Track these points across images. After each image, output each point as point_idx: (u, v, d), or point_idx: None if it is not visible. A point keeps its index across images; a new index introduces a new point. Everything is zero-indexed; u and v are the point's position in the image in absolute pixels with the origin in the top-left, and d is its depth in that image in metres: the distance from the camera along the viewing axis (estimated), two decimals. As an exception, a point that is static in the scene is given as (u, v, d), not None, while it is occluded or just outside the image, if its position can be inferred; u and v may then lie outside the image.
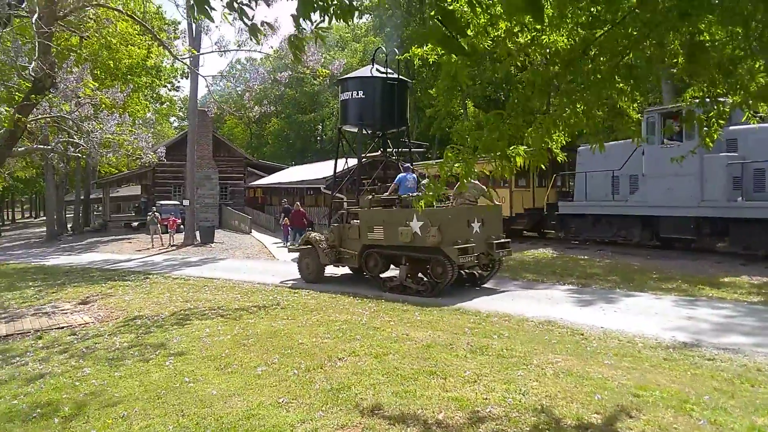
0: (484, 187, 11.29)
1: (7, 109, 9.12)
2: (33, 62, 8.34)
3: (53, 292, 12.28)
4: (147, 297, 11.01)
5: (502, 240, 10.78)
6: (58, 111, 11.28)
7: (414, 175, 11.86)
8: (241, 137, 66.47)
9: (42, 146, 11.71)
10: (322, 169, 25.95)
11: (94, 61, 24.44)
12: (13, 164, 37.17)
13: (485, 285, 11.42)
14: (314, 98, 56.34)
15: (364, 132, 19.19)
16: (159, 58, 30.34)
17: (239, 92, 69.63)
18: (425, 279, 10.85)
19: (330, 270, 13.04)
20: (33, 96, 8.36)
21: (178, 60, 11.70)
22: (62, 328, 8.85)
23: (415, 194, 10.65)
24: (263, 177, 34.85)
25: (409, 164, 13.23)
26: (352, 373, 5.29)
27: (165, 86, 30.49)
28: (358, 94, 18.28)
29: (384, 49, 19.65)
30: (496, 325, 7.68)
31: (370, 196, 11.95)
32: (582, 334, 7.34)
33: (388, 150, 20.05)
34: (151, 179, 31.92)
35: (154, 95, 31.46)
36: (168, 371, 5.78)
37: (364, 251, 11.44)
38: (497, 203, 11.60)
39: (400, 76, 18.88)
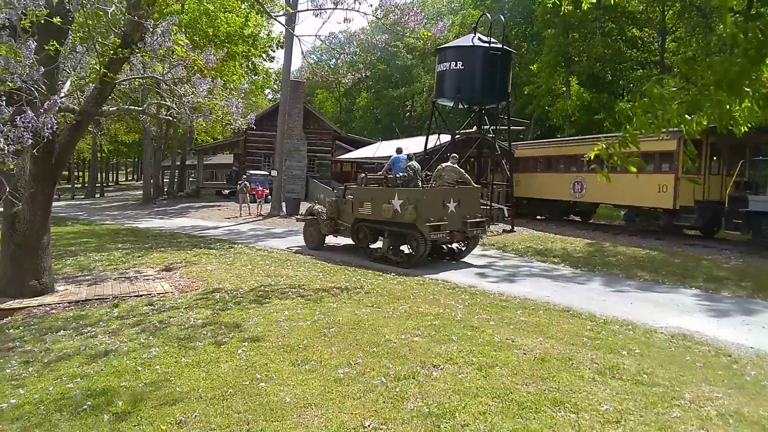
0: (462, 171, 12.17)
1: (96, 62, 8.81)
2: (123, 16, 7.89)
3: (139, 256, 12.24)
4: (229, 268, 10.60)
5: (478, 219, 11.73)
6: (151, 71, 11.00)
7: (405, 157, 12.80)
8: (330, 111, 66.75)
9: (133, 107, 11.50)
10: (411, 145, 24.92)
11: (193, 27, 24.74)
12: (109, 125, 39.16)
13: (570, 280, 10.08)
14: (406, 73, 55.15)
15: (461, 106, 17.92)
16: (256, 27, 30.45)
17: (332, 65, 70.00)
18: (404, 251, 11.93)
19: (335, 241, 14.41)
20: (121, 51, 7.90)
21: (272, 18, 11.03)
22: (141, 296, 8.57)
23: (401, 174, 12.17)
24: (351, 151, 34.40)
25: (401, 146, 14.38)
26: (452, 390, 4.31)
27: (260, 55, 30.49)
28: (456, 65, 17.04)
29: (489, 16, 18.10)
30: (619, 336, 6.40)
31: (363, 175, 13.30)
32: (730, 356, 5.94)
33: (485, 127, 18.66)
34: (243, 148, 32.36)
35: (250, 65, 31.58)
36: (239, 362, 5.08)
37: (355, 224, 12.56)
38: (474, 186, 12.46)
39: (504, 46, 17.35)
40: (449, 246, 12.65)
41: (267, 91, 66.30)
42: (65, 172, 61.46)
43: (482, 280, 10.20)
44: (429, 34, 9.92)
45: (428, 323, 6.51)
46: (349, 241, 13.61)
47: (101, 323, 6.82)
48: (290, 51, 21.74)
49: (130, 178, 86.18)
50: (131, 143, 51.45)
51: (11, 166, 5.53)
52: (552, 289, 9.59)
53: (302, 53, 18.07)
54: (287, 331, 6.15)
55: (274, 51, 30.25)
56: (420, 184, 12.18)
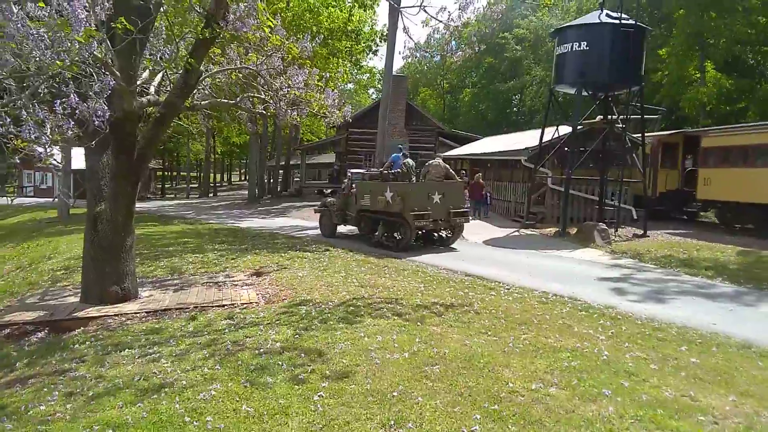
0: (448, 166, 13.85)
1: (183, 50, 8.09)
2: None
3: (233, 259, 11.59)
4: (321, 275, 9.54)
5: (461, 210, 13.03)
6: (245, 62, 10.26)
7: (400, 155, 14.09)
8: (433, 110, 65.28)
9: (226, 101, 10.82)
10: (521, 140, 22.84)
11: (297, 24, 24.45)
12: (222, 126, 40.34)
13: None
14: (514, 65, 52.37)
15: (584, 93, 15.73)
16: (360, 23, 29.82)
17: (437, 62, 68.58)
18: (396, 237, 12.94)
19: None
20: (204, 32, 7.03)
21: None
22: (224, 306, 7.70)
23: (396, 171, 13.60)
24: (455, 147, 32.74)
25: (401, 145, 16.15)
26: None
27: (364, 51, 29.83)
28: (580, 46, 14.91)
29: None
30: None
31: (352, 171, 15.49)
32: None
33: (612, 116, 16.29)
34: (345, 147, 31.88)
35: (353, 61, 31.06)
36: (312, 416, 3.84)
37: (358, 214, 14.05)
38: (459, 180, 14.29)
39: (637, 22, 14.94)
40: (438, 234, 13.98)
41: (371, 90, 66.41)
42: (183, 173, 65.43)
43: (621, 298, 8.28)
44: (555, -1, 8.19)
45: (564, 364, 4.89)
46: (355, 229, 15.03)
47: (171, 341, 5.92)
48: (393, 43, 20.62)
49: (242, 178, 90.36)
50: (243, 144, 53.23)
51: (47, 162, 4.69)
52: (716, 313, 7.50)
53: (405, 30, 17.05)
54: (379, 366, 4.83)
55: (377, 45, 29.42)
56: (413, 179, 13.64)
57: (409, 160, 13.94)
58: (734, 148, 15.83)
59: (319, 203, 16.60)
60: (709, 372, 4.87)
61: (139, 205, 29.99)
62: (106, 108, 4.68)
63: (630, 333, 6.19)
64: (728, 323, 6.87)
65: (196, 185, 55.43)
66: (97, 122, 4.55)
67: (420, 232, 13.48)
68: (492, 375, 4.58)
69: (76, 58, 5.06)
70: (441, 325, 6.20)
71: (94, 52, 5.53)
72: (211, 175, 50.52)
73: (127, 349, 5.72)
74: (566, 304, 7.61)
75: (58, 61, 4.37)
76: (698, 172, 17.13)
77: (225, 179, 76.38)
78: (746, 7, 30.52)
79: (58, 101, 4.14)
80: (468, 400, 4.06)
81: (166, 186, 60.36)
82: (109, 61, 6.07)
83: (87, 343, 6.14)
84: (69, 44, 4.42)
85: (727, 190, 15.90)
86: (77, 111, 4.21)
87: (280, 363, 4.99)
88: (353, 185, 14.47)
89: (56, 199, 25.09)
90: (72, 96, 4.20)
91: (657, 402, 4.06)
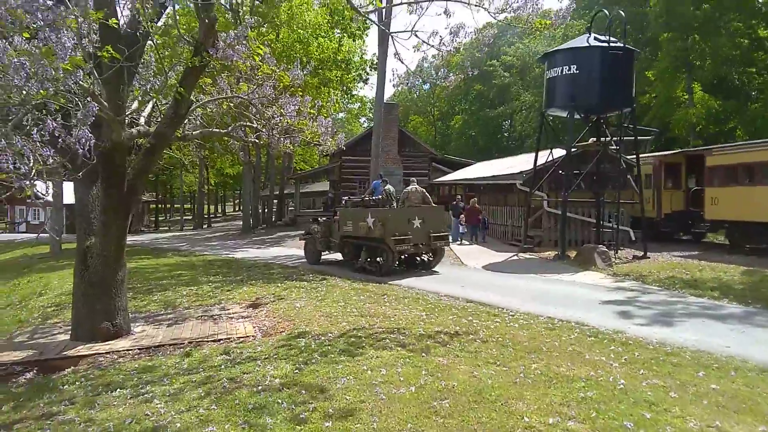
0: (425, 192, 14.26)
1: (173, 80, 7.96)
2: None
3: (228, 290, 11.31)
4: (319, 305, 9.28)
5: (441, 234, 13.36)
6: (235, 91, 10.17)
7: (379, 182, 14.79)
8: (425, 137, 65.71)
9: (218, 130, 10.69)
10: (514, 164, 22.86)
11: (288, 56, 24.57)
12: (215, 158, 40.14)
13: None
14: (503, 92, 52.96)
15: (576, 116, 15.76)
16: (349, 53, 30.07)
17: (427, 90, 69.33)
18: (379, 262, 13.27)
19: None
20: (193, 60, 6.91)
21: (362, 15, 9.82)
22: (219, 340, 7.42)
23: (376, 198, 14.30)
24: (448, 173, 32.77)
25: (381, 173, 16.94)
26: None
27: (354, 80, 30.02)
28: (570, 69, 14.99)
29: (606, 12, 15.92)
30: None
31: (347, 198, 16.17)
32: None
33: (604, 138, 16.30)
34: (338, 174, 31.81)
35: (344, 90, 31.22)
36: (317, 461, 3.56)
37: (342, 240, 14.34)
38: (435, 206, 14.35)
39: (626, 45, 15.07)
40: (420, 258, 14.32)
41: (363, 119, 66.87)
42: (177, 205, 65.13)
43: (628, 322, 8.07)
44: (548, 22, 8.17)
45: (580, 395, 4.66)
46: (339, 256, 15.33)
47: (165, 379, 5.63)
48: (383, 70, 20.75)
49: (236, 209, 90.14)
50: (236, 175, 53.17)
51: (28, 193, 4.47)
52: (727, 335, 7.30)
53: (396, 55, 17.14)
54: (385, 402, 4.57)
55: (367, 74, 29.62)
56: (394, 204, 14.19)
57: (390, 187, 14.58)
58: (740, 166, 15.41)
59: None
60: (732, 399, 4.65)
61: (132, 238, 29.73)
62: (90, 135, 4.49)
63: (643, 359, 5.96)
64: (742, 345, 6.66)
65: (190, 217, 55.13)
66: (80, 150, 4.36)
67: (402, 257, 13.86)
68: (505, 409, 4.34)
69: (62, 88, 4.91)
70: (447, 356, 5.95)
71: (80, 82, 5.39)
72: (205, 206, 50.27)
73: (118, 389, 5.43)
74: (574, 330, 7.39)
75: (41, 91, 4.20)
76: (704, 192, 16.73)
77: (219, 210, 76.09)
78: (729, 31, 31.09)
79: (36, 129, 3.95)
80: (483, 438, 3.81)
81: (159, 219, 60.01)
82: (96, 90, 5.93)
83: (77, 383, 5.84)
84: (54, 73, 4.26)
85: (736, 210, 15.41)
86: (60, 139, 4.03)
87: (279, 401, 4.72)
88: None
89: (39, 235, 24.75)
90: (49, 121, 4.01)
91: (683, 434, 3.83)
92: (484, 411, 4.30)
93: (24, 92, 3.93)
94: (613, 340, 6.82)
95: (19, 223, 41.55)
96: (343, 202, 15.90)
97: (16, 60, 3.93)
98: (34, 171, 4.08)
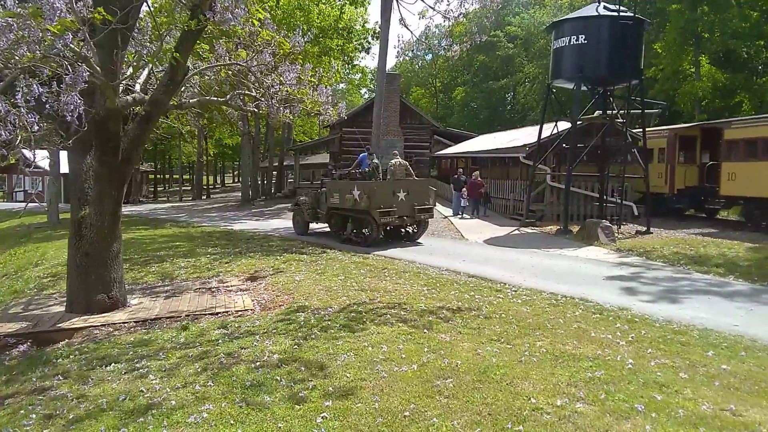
0: (407, 164, 14.70)
1: (169, 44, 7.64)
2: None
3: (226, 262, 11.16)
4: (319, 278, 9.14)
5: (425, 206, 13.69)
6: (235, 58, 9.84)
7: (365, 155, 15.05)
8: (426, 109, 65.00)
9: (215, 98, 10.39)
10: (517, 137, 22.51)
11: (288, 23, 23.99)
12: (214, 128, 39.58)
13: None
14: (506, 63, 52.09)
15: (583, 88, 15.40)
16: (351, 20, 29.40)
17: (428, 61, 68.24)
18: (364, 233, 13.59)
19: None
20: (189, 24, 6.60)
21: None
22: (217, 314, 7.30)
23: (363, 170, 14.54)
24: (450, 146, 32.38)
25: (368, 146, 17.35)
26: None
27: (356, 49, 29.39)
28: (578, 40, 14.59)
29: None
30: None
31: (333, 170, 16.29)
32: None
33: (611, 111, 15.97)
34: (338, 146, 31.44)
35: (346, 60, 30.61)
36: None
37: (329, 212, 14.52)
38: (419, 179, 15.12)
39: (636, 14, 14.61)
40: (405, 229, 14.63)
41: (363, 90, 66.06)
42: (176, 176, 64.75)
43: (633, 298, 7.93)
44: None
45: (588, 375, 4.52)
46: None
47: (161, 354, 5.51)
48: (386, 39, 20.20)
49: (235, 180, 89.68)
50: (235, 146, 52.68)
51: (12, 161, 4.25)
52: (735, 313, 7.17)
53: (401, 20, 16.33)
54: (386, 381, 4.44)
55: (369, 43, 29.01)
56: (381, 177, 14.38)
57: (376, 160, 14.89)
58: (761, 140, 14.76)
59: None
60: (744, 381, 4.51)
61: (130, 209, 29.57)
62: (79, 101, 4.24)
63: (651, 337, 5.83)
64: (751, 324, 6.53)
65: (189, 188, 54.81)
66: (69, 117, 4.12)
67: (387, 228, 14.17)
68: (511, 389, 4.20)
69: (53, 51, 4.64)
70: (450, 332, 5.81)
71: (71, 45, 5.11)
72: (204, 177, 49.95)
73: (113, 364, 5.31)
74: (578, 306, 7.25)
75: (28, 53, 3.94)
76: (721, 167, 16.17)
77: (218, 181, 75.74)
78: (739, 2, 30.33)
79: (20, 93, 3.71)
80: (489, 420, 3.67)
81: (158, 189, 59.74)
82: (89, 55, 5.64)
83: (71, 356, 5.72)
84: (41, 34, 4.00)
85: (756, 186, 14.87)
86: (47, 105, 3.79)
87: (278, 378, 4.58)
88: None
89: (27, 205, 24.58)
90: (34, 86, 3.76)
91: (697, 418, 3.70)
92: (489, 391, 4.16)
93: (5, 53, 3.67)
94: (619, 318, 6.69)
95: (17, 192, 41.29)
96: (330, 175, 16.12)
97: (2, 21, 3.66)
98: (19, 138, 3.85)
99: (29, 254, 14.55)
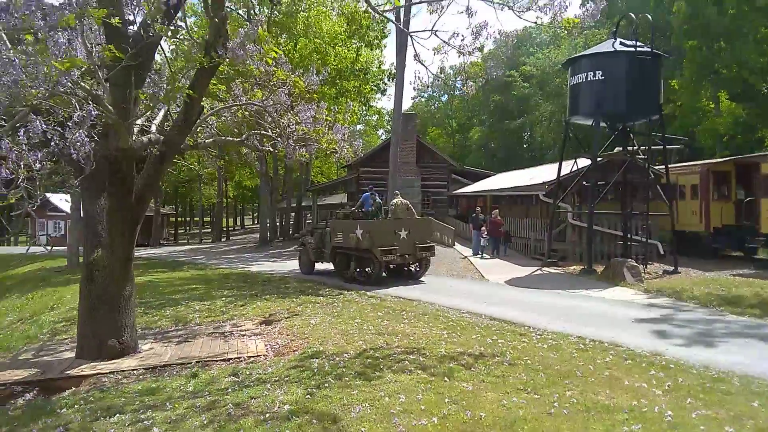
0: (408, 202, 14.77)
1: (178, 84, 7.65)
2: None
3: (241, 305, 10.94)
4: (335, 322, 8.85)
5: (427, 244, 13.80)
6: (249, 98, 9.88)
7: (368, 194, 15.17)
8: (443, 149, 65.31)
9: (231, 138, 10.39)
10: (536, 175, 22.29)
11: (305, 66, 24.40)
12: (233, 171, 39.96)
13: None
14: (522, 103, 52.36)
15: (602, 124, 15.21)
16: (366, 63, 29.89)
17: (443, 102, 69.00)
18: (368, 271, 13.89)
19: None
20: (203, 61, 6.58)
21: (379, 14, 9.51)
22: (229, 360, 7.05)
23: (366, 210, 14.76)
24: (468, 185, 32.25)
25: (371, 185, 17.27)
26: None
27: (373, 90, 29.76)
28: (595, 76, 14.48)
29: (633, 16, 15.39)
30: None
31: (339, 210, 16.58)
32: None
33: (631, 147, 15.71)
34: (356, 186, 31.50)
35: (362, 101, 30.97)
36: None
37: (333, 251, 14.73)
38: (421, 218, 15.81)
39: (653, 49, 14.51)
40: (408, 268, 14.73)
41: (380, 131, 66.71)
42: (196, 218, 65.41)
43: (666, 342, 7.48)
44: (576, 20, 7.71)
45: (624, 429, 4.16)
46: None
47: (168, 404, 5.24)
48: (402, 78, 20.42)
49: (255, 222, 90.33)
50: (255, 188, 53.19)
51: (11, 200, 4.13)
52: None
53: (416, 56, 16.43)
54: (405, 435, 4.11)
55: (385, 84, 29.36)
56: (384, 216, 14.73)
57: (379, 200, 15.26)
58: None
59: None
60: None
61: (150, 251, 29.72)
62: (86, 139, 4.14)
63: (688, 385, 5.40)
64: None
65: (209, 230, 55.23)
66: (75, 155, 4.01)
67: (391, 267, 14.36)
68: (541, 446, 3.84)
69: (61, 89, 4.59)
70: (472, 381, 5.46)
71: (82, 83, 5.07)
72: (224, 219, 50.37)
73: (117, 414, 5.05)
74: (608, 352, 6.84)
75: (33, 91, 3.87)
76: (760, 203, 15.41)
77: (238, 223, 76.35)
78: (756, 38, 30.19)
79: (22, 130, 3.62)
80: (518, 483, 3.32)
81: (179, 231, 60.32)
82: (101, 94, 5.62)
83: (75, 406, 5.48)
84: (46, 70, 3.94)
85: None
86: (52, 143, 3.69)
87: (288, 432, 4.28)
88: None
89: (28, 249, 24.87)
90: (37, 122, 3.66)
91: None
92: (516, 449, 3.81)
93: (9, 89, 3.60)
94: (653, 364, 6.26)
95: (40, 236, 41.90)
96: (334, 215, 16.26)
97: (5, 57, 3.61)
98: (21, 177, 3.74)
99: (46, 298, 14.52)
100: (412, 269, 14.71)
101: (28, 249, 30.08)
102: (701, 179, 17.42)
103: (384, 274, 13.71)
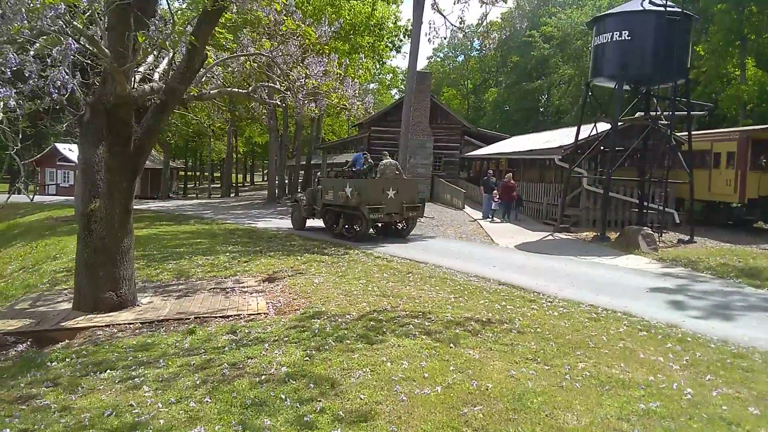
0: (397, 163, 15.00)
1: (179, 27, 7.21)
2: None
3: (245, 262, 10.74)
4: (339, 281, 8.62)
5: (414, 204, 14.16)
6: (257, 48, 9.41)
7: (360, 155, 15.38)
8: (457, 110, 64.15)
9: (237, 89, 9.96)
10: (553, 138, 21.66)
11: (318, 19, 23.61)
12: (244, 126, 39.32)
13: None
14: (542, 64, 50.92)
15: (625, 86, 14.55)
16: (382, 18, 28.89)
17: (459, 62, 67.38)
18: (355, 228, 14.12)
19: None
20: (207, 3, 6.13)
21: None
22: (228, 317, 6.84)
23: (357, 169, 14.92)
24: (480, 147, 31.58)
25: (362, 147, 17.70)
26: None
27: (387, 47, 28.86)
28: (621, 36, 13.79)
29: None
30: None
31: (329, 169, 16.52)
32: None
33: (654, 112, 15.07)
34: (367, 145, 30.97)
35: (376, 58, 30.09)
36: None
37: (324, 208, 15.17)
38: (408, 178, 16.12)
39: (684, 10, 13.72)
40: (395, 226, 15.05)
41: (394, 91, 65.52)
42: (206, 173, 65.27)
43: (682, 314, 7.19)
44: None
45: (641, 407, 3.87)
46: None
47: (161, 361, 5.04)
48: (418, 35, 19.62)
49: (264, 179, 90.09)
50: (265, 144, 52.71)
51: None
52: None
53: (434, 5, 15.29)
54: (406, 405, 3.87)
55: (401, 41, 28.44)
56: (374, 176, 14.68)
57: (370, 160, 15.45)
58: None
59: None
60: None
61: (158, 205, 29.62)
62: (67, 78, 3.79)
63: (707, 360, 5.12)
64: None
65: (219, 185, 55.11)
66: (54, 95, 3.68)
67: (378, 225, 14.88)
68: (551, 422, 3.58)
69: (50, 26, 4.21)
70: (479, 348, 5.20)
71: (74, 23, 4.69)
72: (233, 175, 50.11)
73: (108, 370, 4.87)
74: (621, 322, 6.56)
75: (15, 24, 3.51)
76: None
77: (248, 180, 76.21)
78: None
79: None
80: (526, 463, 3.07)
81: (188, 186, 60.31)
82: (96, 35, 5.23)
83: (66, 360, 5.31)
84: (30, 2, 3.56)
85: None
86: (30, 81, 3.36)
87: (283, 396, 4.05)
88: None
89: (8, 197, 24.80)
90: (11, 55, 3.32)
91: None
92: (525, 424, 3.55)
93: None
94: (669, 336, 5.97)
95: (49, 185, 41.98)
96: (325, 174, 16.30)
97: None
98: (1, 117, 3.42)
99: (49, 248, 14.42)
100: (400, 227, 15.09)
101: (32, 198, 30.10)
102: (738, 147, 16.19)
103: (372, 231, 14.11)
